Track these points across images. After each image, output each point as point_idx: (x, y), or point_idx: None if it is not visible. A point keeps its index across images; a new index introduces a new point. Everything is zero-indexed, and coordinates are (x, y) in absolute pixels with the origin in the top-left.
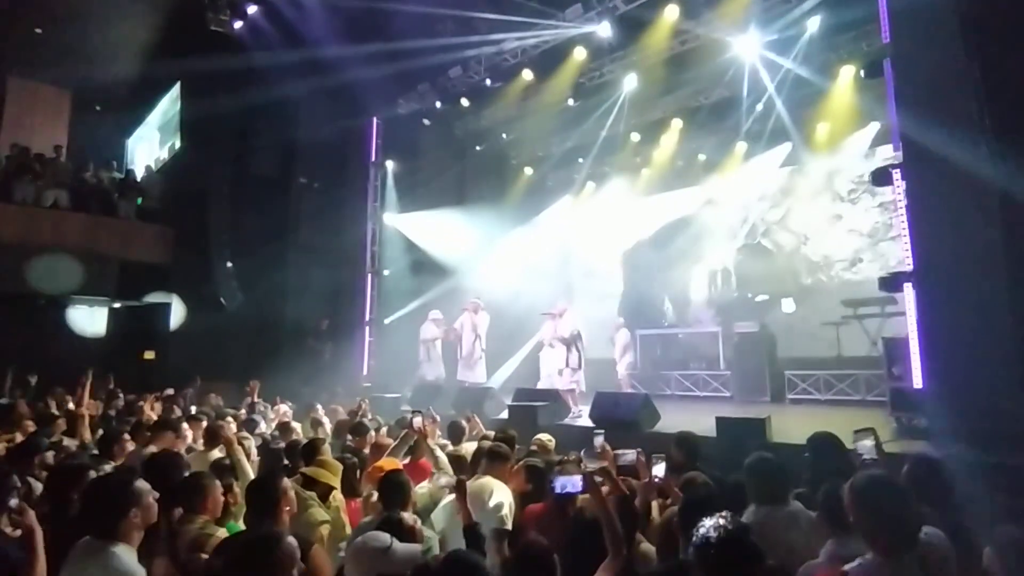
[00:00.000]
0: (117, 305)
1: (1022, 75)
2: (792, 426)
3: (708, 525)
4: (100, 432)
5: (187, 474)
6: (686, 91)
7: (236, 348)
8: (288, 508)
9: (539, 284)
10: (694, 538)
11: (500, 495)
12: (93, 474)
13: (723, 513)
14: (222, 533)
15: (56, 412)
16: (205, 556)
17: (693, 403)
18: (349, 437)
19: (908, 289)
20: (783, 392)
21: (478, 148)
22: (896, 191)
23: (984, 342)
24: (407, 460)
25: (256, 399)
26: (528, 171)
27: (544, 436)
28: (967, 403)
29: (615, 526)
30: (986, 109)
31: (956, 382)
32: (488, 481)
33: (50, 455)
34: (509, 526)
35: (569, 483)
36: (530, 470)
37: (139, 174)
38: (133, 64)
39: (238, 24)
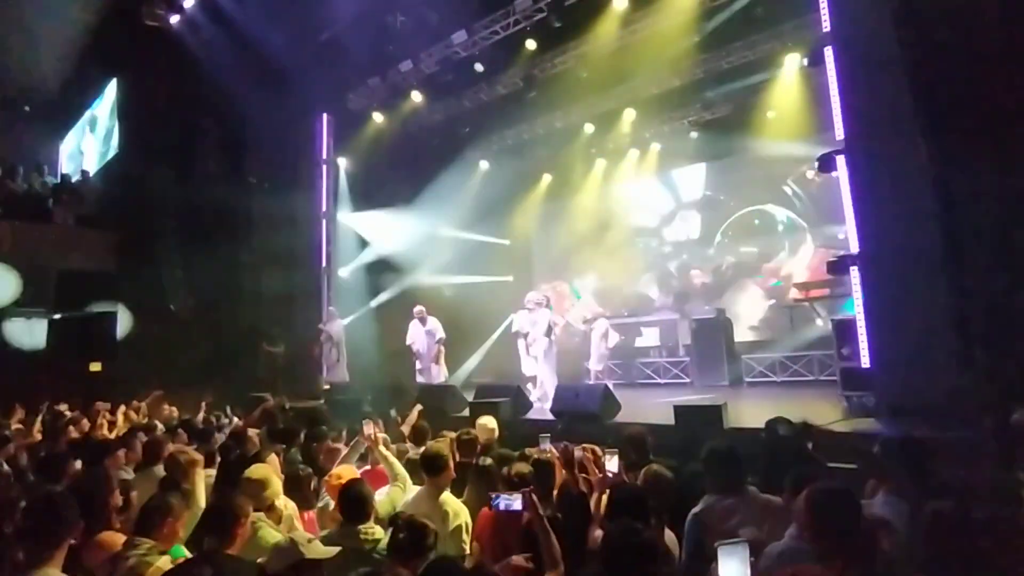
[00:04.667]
0: (57, 316)
1: (952, 64)
2: (750, 410)
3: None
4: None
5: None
6: (638, 80)
7: (189, 356)
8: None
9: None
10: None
11: (461, 516)
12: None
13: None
14: (164, 562)
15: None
16: None
17: (654, 391)
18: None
19: (854, 272)
20: (741, 376)
21: (432, 143)
22: (840, 176)
23: (925, 322)
24: (367, 468)
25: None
26: (484, 165)
27: (484, 419)
28: (909, 381)
29: (551, 542)
30: (920, 101)
31: (899, 361)
32: (447, 499)
33: None
34: (468, 549)
35: (509, 502)
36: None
37: (75, 178)
38: (63, 62)
39: (174, 19)
